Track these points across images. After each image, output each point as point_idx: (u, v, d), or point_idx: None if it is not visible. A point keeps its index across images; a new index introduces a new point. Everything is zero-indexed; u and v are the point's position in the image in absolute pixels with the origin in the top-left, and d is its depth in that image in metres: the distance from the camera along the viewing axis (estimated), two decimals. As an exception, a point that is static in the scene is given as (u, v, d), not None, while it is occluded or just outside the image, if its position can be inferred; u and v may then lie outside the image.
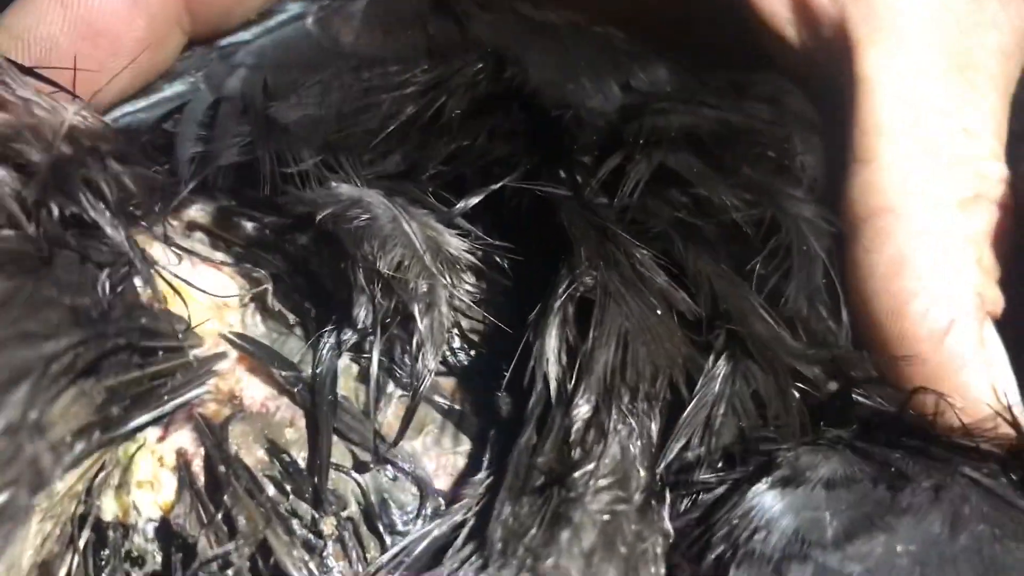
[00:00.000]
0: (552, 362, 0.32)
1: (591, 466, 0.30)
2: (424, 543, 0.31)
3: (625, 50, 0.44)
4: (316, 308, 0.36)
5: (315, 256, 0.36)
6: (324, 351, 0.34)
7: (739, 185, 0.39)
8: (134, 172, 0.34)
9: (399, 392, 0.35)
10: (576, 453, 0.30)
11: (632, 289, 0.33)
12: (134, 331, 0.31)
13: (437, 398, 0.35)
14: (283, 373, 0.34)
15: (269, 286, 0.36)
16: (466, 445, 0.35)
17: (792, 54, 0.43)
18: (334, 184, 0.36)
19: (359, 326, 0.34)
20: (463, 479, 0.34)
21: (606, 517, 0.30)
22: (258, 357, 0.34)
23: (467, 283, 0.36)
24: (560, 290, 0.33)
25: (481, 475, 0.33)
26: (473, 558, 0.30)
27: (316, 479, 0.32)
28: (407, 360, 0.35)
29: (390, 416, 0.35)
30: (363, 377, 0.35)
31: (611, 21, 0.45)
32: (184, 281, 0.35)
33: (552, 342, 0.32)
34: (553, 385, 0.32)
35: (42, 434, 0.28)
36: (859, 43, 0.39)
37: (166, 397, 0.32)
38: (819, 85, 0.43)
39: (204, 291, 0.35)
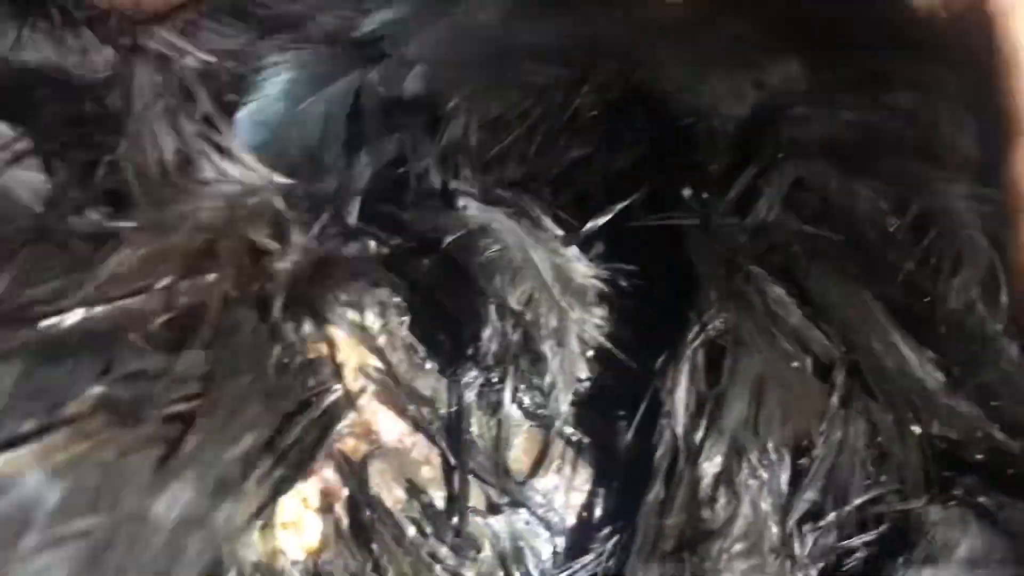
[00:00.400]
0: (681, 414, 0.31)
1: (724, 530, 0.30)
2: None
3: (754, 43, 0.41)
4: (447, 340, 0.35)
5: (441, 285, 0.35)
6: (461, 388, 0.34)
7: (882, 184, 0.36)
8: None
9: (526, 424, 0.35)
10: (706, 513, 0.30)
11: (765, 334, 0.32)
12: (304, 391, 0.32)
13: (566, 429, 0.35)
14: (421, 409, 0.34)
15: (407, 318, 0.36)
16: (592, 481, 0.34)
17: (925, 25, 0.40)
18: (460, 202, 0.36)
19: (488, 362, 0.34)
20: (591, 521, 0.33)
21: None
22: (395, 393, 0.34)
23: (596, 315, 0.35)
24: (690, 336, 0.32)
25: (608, 529, 0.32)
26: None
27: (458, 522, 0.32)
28: (534, 391, 0.34)
29: (518, 451, 0.34)
30: (490, 412, 0.35)
31: (731, 10, 0.43)
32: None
33: (681, 394, 0.31)
34: (681, 437, 0.31)
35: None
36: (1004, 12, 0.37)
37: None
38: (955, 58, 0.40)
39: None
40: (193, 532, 0.27)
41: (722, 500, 0.30)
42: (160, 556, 0.27)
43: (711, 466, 0.30)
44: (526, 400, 0.35)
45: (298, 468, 0.31)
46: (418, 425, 0.34)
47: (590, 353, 0.35)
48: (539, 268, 0.34)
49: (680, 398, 0.31)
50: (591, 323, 0.35)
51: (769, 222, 0.35)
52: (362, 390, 0.34)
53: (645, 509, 0.30)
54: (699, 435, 0.31)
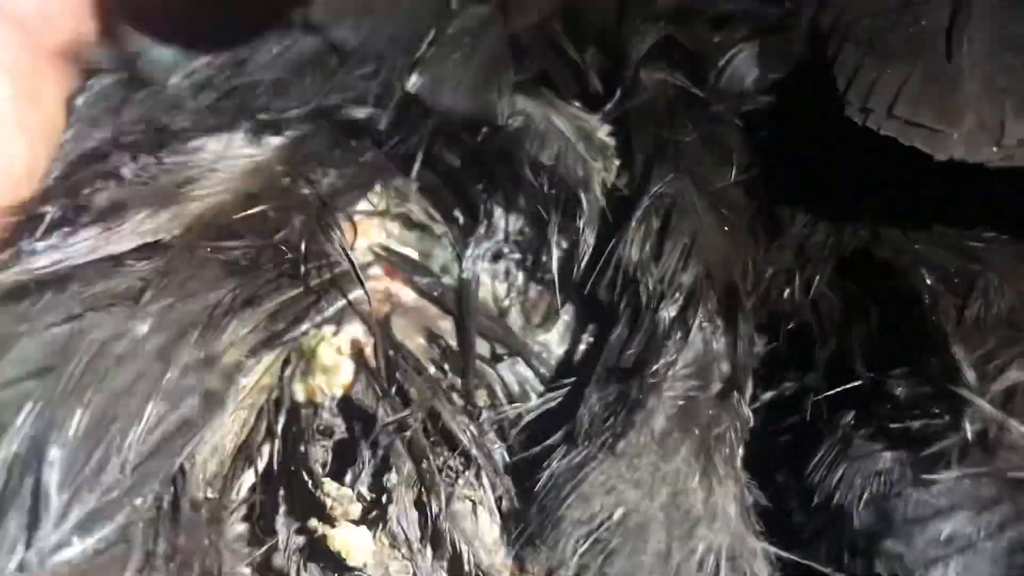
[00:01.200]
0: (635, 267, 0.36)
1: (672, 356, 0.34)
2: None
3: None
4: (463, 216, 0.41)
5: (465, 164, 0.40)
6: (469, 260, 0.39)
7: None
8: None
9: (533, 286, 0.40)
10: (663, 348, 0.34)
11: (709, 205, 0.37)
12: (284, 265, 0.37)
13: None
14: (424, 279, 0.39)
15: (412, 204, 0.41)
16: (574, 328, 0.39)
17: None
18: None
19: (524, 217, 0.39)
20: (571, 360, 0.39)
21: (682, 402, 0.33)
22: (400, 267, 0.40)
23: (614, 166, 0.39)
24: (640, 202, 0.37)
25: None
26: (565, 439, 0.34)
27: (463, 367, 0.38)
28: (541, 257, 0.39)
29: (515, 311, 0.40)
30: (493, 279, 0.40)
31: None
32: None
33: (635, 249, 0.36)
34: (644, 290, 0.35)
35: (212, 366, 0.34)
36: None
37: (325, 304, 0.38)
38: None
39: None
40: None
41: (675, 337, 0.34)
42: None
43: (668, 311, 0.35)
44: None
45: (278, 332, 0.37)
46: (424, 293, 0.39)
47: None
48: (563, 129, 0.39)
49: (635, 252, 0.36)
50: (612, 172, 0.39)
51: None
52: (368, 264, 0.40)
53: (608, 345, 0.35)
54: (658, 285, 0.35)
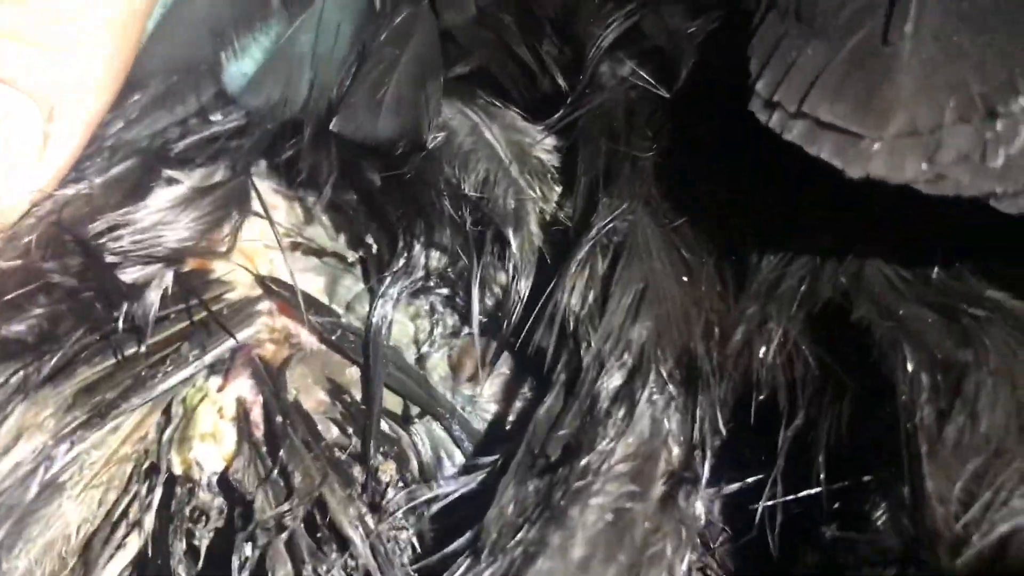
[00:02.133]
0: (575, 321, 0.29)
1: (608, 443, 0.27)
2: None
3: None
4: (378, 243, 0.34)
5: (383, 186, 0.33)
6: (381, 300, 0.32)
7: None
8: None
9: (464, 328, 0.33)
10: (600, 430, 0.27)
11: (665, 243, 0.29)
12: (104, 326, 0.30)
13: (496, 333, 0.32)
14: (322, 319, 0.33)
15: (317, 228, 0.34)
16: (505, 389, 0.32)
17: None
18: None
19: (418, 272, 0.32)
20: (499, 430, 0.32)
21: (609, 517, 0.26)
22: (290, 302, 0.33)
23: (556, 192, 0.32)
24: (584, 239, 0.29)
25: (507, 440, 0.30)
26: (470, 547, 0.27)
27: (364, 433, 0.31)
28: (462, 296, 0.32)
29: (438, 357, 0.33)
30: (414, 318, 0.33)
31: None
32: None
33: (576, 298, 0.29)
34: (583, 350, 0.28)
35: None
36: None
37: (191, 357, 0.32)
38: None
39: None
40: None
41: (618, 415, 0.27)
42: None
43: (612, 379, 0.28)
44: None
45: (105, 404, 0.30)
46: (322, 337, 0.32)
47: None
48: (494, 146, 0.32)
49: (575, 301, 0.29)
50: (552, 201, 0.32)
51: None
52: (257, 299, 0.33)
53: (536, 420, 0.28)
54: (602, 344, 0.28)
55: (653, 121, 0.32)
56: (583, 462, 0.27)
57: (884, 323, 0.26)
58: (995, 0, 0.24)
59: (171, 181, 0.31)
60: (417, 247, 0.32)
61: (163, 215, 0.30)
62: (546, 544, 0.25)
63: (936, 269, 0.28)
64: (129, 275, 0.30)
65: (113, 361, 0.30)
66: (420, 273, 0.32)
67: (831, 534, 0.26)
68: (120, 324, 0.30)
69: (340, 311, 0.34)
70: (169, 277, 0.30)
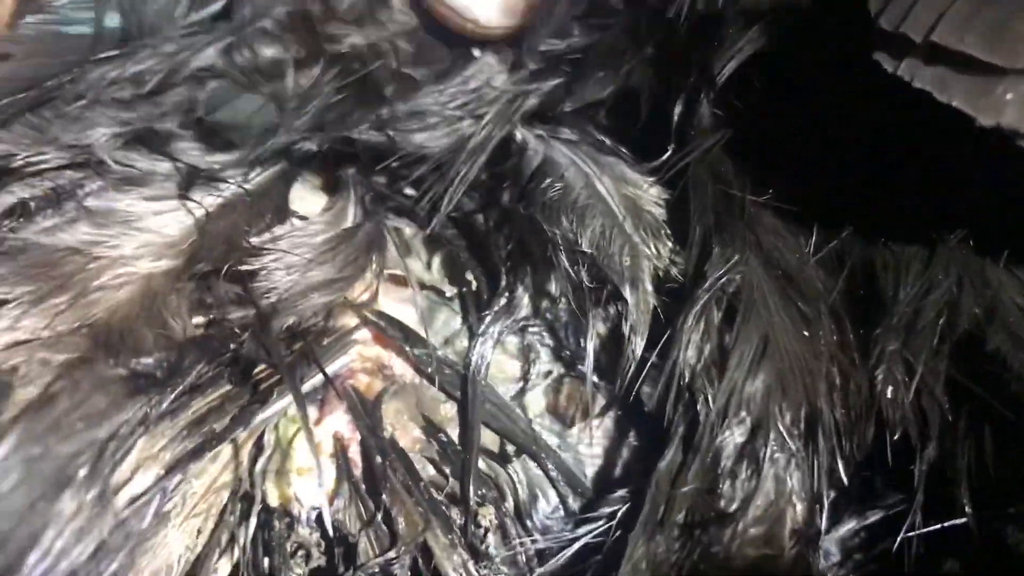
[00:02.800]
0: (692, 374, 0.28)
1: (737, 505, 0.27)
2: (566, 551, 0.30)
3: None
4: (479, 281, 0.33)
5: (492, 224, 0.33)
6: (481, 339, 0.32)
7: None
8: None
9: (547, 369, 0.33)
10: (724, 486, 0.27)
11: (774, 292, 0.29)
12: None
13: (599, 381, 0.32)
14: (415, 351, 0.32)
15: (417, 260, 0.34)
16: (627, 437, 0.32)
17: None
18: (519, 136, 0.33)
19: (551, 301, 0.32)
20: (606, 481, 0.32)
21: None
22: (388, 333, 0.33)
23: (668, 248, 0.32)
24: (699, 292, 0.29)
25: (620, 492, 0.30)
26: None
27: (462, 474, 0.31)
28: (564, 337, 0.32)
29: (533, 396, 0.33)
30: (511, 355, 0.33)
31: None
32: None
33: (692, 352, 0.28)
34: (700, 404, 0.28)
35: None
36: None
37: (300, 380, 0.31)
38: None
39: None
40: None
41: (743, 475, 0.27)
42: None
43: (734, 436, 0.28)
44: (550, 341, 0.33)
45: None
46: (418, 369, 0.32)
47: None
48: (609, 202, 0.32)
49: (691, 355, 0.28)
50: (665, 257, 0.31)
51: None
52: (354, 328, 0.33)
53: (657, 475, 0.28)
54: (718, 398, 0.28)
55: (762, 164, 0.31)
56: (720, 530, 0.27)
57: (1020, 354, 0.27)
58: None
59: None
60: (520, 289, 0.32)
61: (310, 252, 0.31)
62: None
63: None
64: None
65: (224, 391, 0.30)
66: (522, 314, 0.32)
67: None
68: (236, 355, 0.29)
69: (435, 344, 0.33)
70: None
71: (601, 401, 0.32)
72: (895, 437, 0.28)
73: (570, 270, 0.30)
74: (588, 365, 0.31)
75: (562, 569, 0.29)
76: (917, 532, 0.27)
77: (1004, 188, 0.28)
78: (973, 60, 0.23)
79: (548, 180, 0.31)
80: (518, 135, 0.33)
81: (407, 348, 0.32)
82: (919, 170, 0.29)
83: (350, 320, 0.33)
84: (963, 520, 0.26)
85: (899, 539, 0.27)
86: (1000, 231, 0.29)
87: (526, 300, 0.32)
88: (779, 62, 0.32)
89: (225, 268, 0.30)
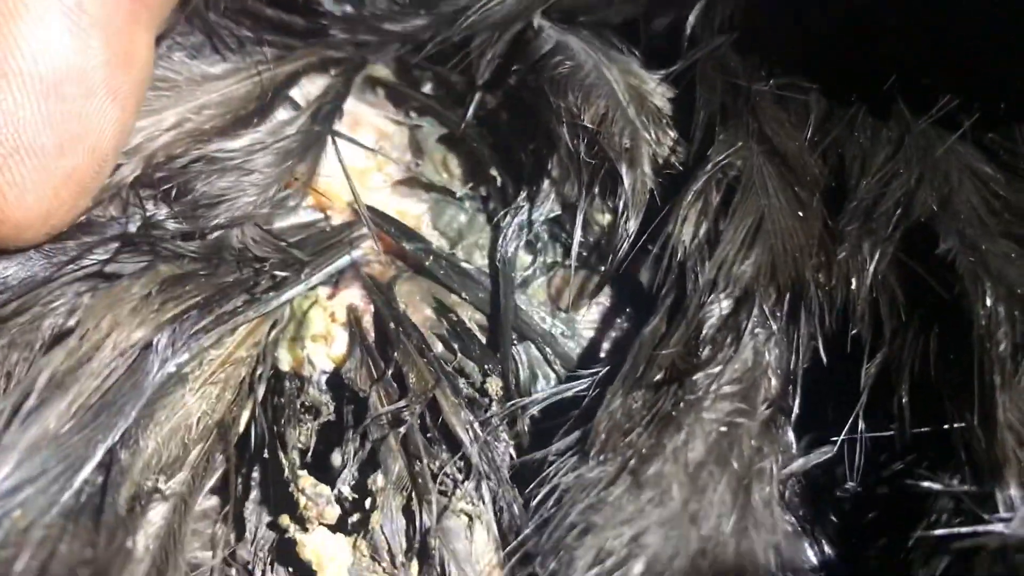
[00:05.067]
0: (683, 248, 0.30)
1: (716, 369, 0.28)
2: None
3: None
4: (499, 175, 0.35)
5: (509, 109, 0.35)
6: (506, 237, 0.34)
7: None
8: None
9: (551, 259, 0.35)
10: (704, 352, 0.28)
11: (773, 176, 0.30)
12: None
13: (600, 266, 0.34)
14: (410, 246, 0.34)
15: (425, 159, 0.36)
16: (621, 316, 0.33)
17: None
18: (536, 22, 0.35)
19: (559, 195, 0.33)
20: (595, 348, 0.33)
21: (723, 428, 0.27)
22: (384, 230, 0.34)
23: (669, 137, 0.33)
24: (700, 172, 0.30)
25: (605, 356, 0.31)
26: (576, 447, 0.28)
27: (499, 351, 0.32)
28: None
29: (538, 284, 0.34)
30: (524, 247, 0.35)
31: None
32: (343, 136, 0.35)
33: (689, 229, 0.30)
34: (688, 273, 0.29)
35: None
36: None
37: (308, 270, 0.33)
38: None
39: (358, 143, 0.35)
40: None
41: (723, 344, 0.28)
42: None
43: (719, 308, 0.29)
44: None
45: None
46: (415, 264, 0.34)
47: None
48: (614, 86, 0.33)
49: (687, 232, 0.30)
50: (665, 145, 0.33)
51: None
52: (352, 223, 0.34)
53: (641, 339, 0.29)
54: (707, 272, 0.29)
55: (767, 56, 0.33)
56: (695, 378, 0.28)
57: (967, 257, 0.28)
58: None
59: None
60: (547, 183, 0.33)
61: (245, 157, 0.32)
62: (662, 447, 0.27)
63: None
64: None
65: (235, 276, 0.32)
66: (548, 207, 0.33)
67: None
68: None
69: (443, 241, 0.35)
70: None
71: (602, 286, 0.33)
72: (855, 332, 0.29)
73: (570, 143, 0.32)
74: (575, 240, 0.32)
75: (546, 420, 0.31)
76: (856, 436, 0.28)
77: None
78: None
79: (559, 58, 0.33)
80: (536, 21, 0.34)
81: (404, 244, 0.34)
82: (912, 48, 0.31)
83: (345, 215, 0.35)
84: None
85: (838, 441, 0.28)
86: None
87: (552, 194, 0.33)
88: None
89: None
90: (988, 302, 0.27)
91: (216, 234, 0.31)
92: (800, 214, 0.30)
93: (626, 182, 0.31)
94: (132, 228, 0.31)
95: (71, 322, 0.29)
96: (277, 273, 0.31)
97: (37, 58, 0.27)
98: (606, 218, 0.33)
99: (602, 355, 0.33)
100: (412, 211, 0.35)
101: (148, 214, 0.31)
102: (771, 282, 0.29)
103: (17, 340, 0.29)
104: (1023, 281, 0.27)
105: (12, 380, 0.29)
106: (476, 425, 0.30)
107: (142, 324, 0.28)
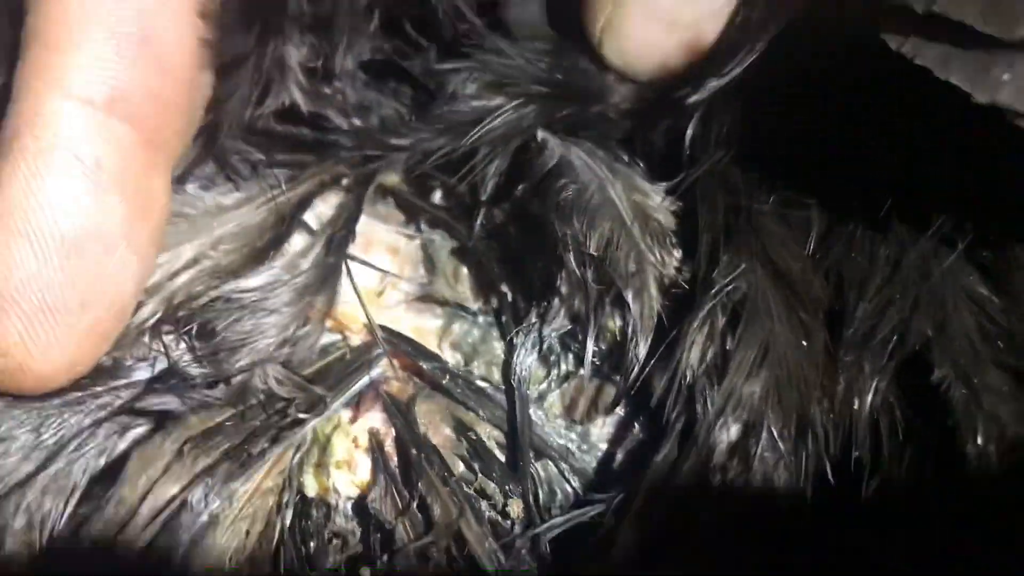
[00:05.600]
0: (691, 373, 0.31)
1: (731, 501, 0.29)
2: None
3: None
4: (510, 290, 0.36)
5: (515, 232, 0.35)
6: (519, 358, 0.34)
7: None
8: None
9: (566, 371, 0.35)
10: (716, 480, 0.29)
11: (785, 304, 0.31)
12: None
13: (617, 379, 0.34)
14: (426, 365, 0.35)
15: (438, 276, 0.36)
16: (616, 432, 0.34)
17: None
18: (539, 135, 0.35)
19: (569, 311, 0.34)
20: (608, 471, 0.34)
21: None
22: (400, 349, 0.35)
23: (674, 257, 0.34)
24: (705, 297, 0.31)
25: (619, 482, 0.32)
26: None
27: (518, 472, 0.33)
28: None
29: (554, 398, 0.35)
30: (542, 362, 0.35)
31: None
32: (357, 260, 0.36)
33: (696, 353, 0.31)
34: (697, 399, 0.30)
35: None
36: None
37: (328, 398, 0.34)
38: None
39: (372, 265, 0.36)
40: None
41: (733, 471, 0.29)
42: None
43: (728, 435, 0.30)
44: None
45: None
46: (433, 382, 0.35)
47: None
48: (618, 206, 0.33)
49: (695, 356, 0.31)
50: (671, 266, 0.33)
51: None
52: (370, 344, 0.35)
53: (652, 468, 0.30)
54: (717, 399, 0.30)
55: (767, 169, 0.34)
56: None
57: (961, 389, 0.29)
58: None
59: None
60: (557, 299, 0.34)
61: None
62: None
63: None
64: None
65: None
66: (558, 323, 0.34)
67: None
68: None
69: (458, 357, 0.36)
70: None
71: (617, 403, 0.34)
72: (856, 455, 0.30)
73: (576, 271, 0.32)
74: (586, 365, 0.33)
75: (563, 545, 0.32)
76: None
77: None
78: (971, 32, 0.24)
79: (563, 180, 0.33)
80: (539, 135, 0.34)
81: (420, 363, 0.35)
82: (909, 169, 0.31)
83: (362, 335, 0.36)
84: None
85: None
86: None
87: (562, 310, 0.34)
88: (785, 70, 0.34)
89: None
90: (980, 440, 0.28)
91: (240, 377, 0.32)
92: (804, 343, 0.31)
93: (632, 309, 0.32)
94: (158, 368, 0.32)
95: (100, 462, 0.30)
96: (302, 415, 0.32)
97: (59, 219, 0.28)
98: (618, 323, 0.34)
99: (616, 467, 0.34)
100: (428, 326, 0.36)
101: (171, 361, 0.31)
102: (778, 408, 0.30)
103: (50, 487, 0.30)
104: (1014, 420, 0.28)
105: (47, 526, 0.30)
106: (500, 553, 0.31)
107: (177, 480, 0.29)
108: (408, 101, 0.38)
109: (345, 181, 0.37)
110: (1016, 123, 0.25)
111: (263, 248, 0.33)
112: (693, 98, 0.33)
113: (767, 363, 0.30)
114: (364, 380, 0.34)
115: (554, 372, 0.35)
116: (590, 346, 0.33)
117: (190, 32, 0.29)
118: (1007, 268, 0.31)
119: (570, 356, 0.35)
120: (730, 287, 0.31)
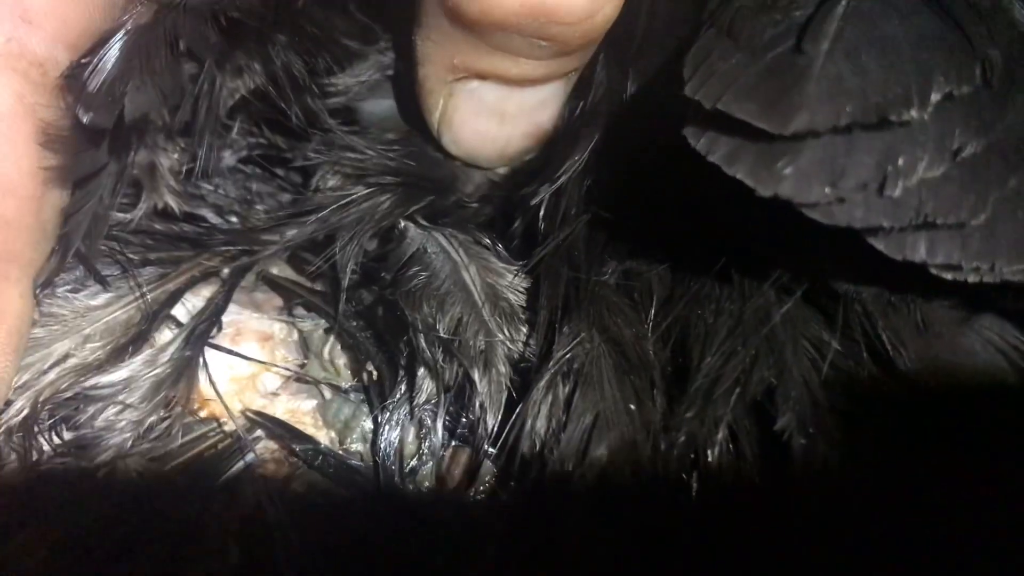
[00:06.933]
0: (541, 443, 0.32)
1: None
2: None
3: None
4: (375, 368, 0.37)
5: (379, 308, 0.37)
6: (386, 425, 0.36)
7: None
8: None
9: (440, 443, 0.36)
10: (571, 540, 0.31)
11: (616, 370, 0.33)
12: None
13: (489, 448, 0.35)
14: (300, 448, 0.36)
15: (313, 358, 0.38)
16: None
17: None
18: (401, 224, 0.37)
19: (423, 391, 0.35)
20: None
21: None
22: (275, 434, 0.36)
23: (523, 332, 0.35)
24: (545, 367, 0.33)
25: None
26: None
27: None
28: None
29: (426, 471, 0.36)
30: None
31: None
32: (221, 349, 0.37)
33: (542, 423, 0.32)
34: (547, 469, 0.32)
35: None
36: None
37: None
38: None
39: (236, 354, 0.38)
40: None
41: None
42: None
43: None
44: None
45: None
46: (307, 462, 0.36)
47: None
48: (470, 289, 0.36)
49: (541, 425, 0.32)
50: (519, 341, 0.35)
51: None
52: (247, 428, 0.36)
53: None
54: (561, 467, 0.32)
55: (610, 246, 0.35)
56: None
57: (800, 439, 0.30)
58: (904, 31, 0.27)
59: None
60: (421, 372, 0.35)
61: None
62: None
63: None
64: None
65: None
66: (423, 398, 0.35)
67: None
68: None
69: (332, 435, 0.37)
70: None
71: (488, 466, 0.35)
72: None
73: (427, 352, 0.34)
74: (436, 440, 0.35)
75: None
76: None
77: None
78: (752, 128, 0.26)
79: (415, 268, 0.35)
80: (400, 223, 0.37)
81: (292, 446, 0.36)
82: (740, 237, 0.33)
83: (240, 421, 0.37)
84: None
85: None
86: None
87: (427, 384, 0.35)
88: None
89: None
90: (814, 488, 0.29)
91: (103, 471, 0.33)
92: (632, 407, 0.32)
93: (479, 386, 0.34)
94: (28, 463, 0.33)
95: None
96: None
97: None
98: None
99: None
100: (303, 408, 0.37)
101: (35, 457, 0.33)
102: (612, 474, 0.31)
103: None
104: (845, 474, 0.29)
105: None
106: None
107: None
108: (292, 189, 0.40)
109: (224, 272, 0.39)
110: (803, 212, 0.26)
111: (125, 344, 0.35)
112: (535, 200, 0.36)
113: (597, 430, 0.32)
114: (239, 465, 0.36)
115: (424, 445, 0.36)
116: (440, 424, 0.35)
117: (31, 159, 0.32)
118: (846, 313, 0.32)
119: (441, 429, 0.37)
120: (568, 356, 0.33)
